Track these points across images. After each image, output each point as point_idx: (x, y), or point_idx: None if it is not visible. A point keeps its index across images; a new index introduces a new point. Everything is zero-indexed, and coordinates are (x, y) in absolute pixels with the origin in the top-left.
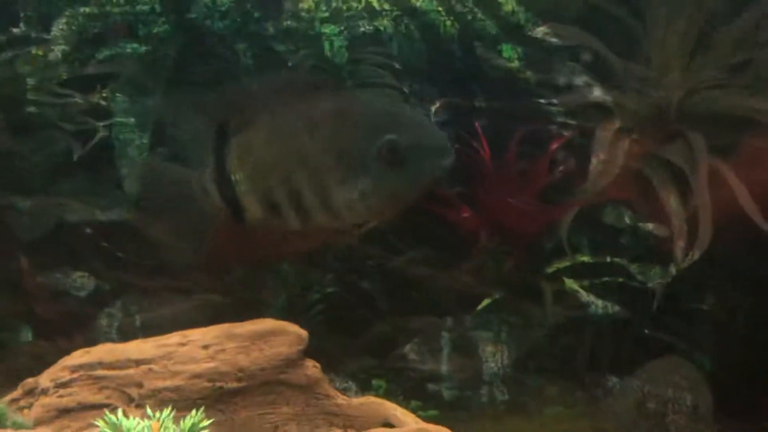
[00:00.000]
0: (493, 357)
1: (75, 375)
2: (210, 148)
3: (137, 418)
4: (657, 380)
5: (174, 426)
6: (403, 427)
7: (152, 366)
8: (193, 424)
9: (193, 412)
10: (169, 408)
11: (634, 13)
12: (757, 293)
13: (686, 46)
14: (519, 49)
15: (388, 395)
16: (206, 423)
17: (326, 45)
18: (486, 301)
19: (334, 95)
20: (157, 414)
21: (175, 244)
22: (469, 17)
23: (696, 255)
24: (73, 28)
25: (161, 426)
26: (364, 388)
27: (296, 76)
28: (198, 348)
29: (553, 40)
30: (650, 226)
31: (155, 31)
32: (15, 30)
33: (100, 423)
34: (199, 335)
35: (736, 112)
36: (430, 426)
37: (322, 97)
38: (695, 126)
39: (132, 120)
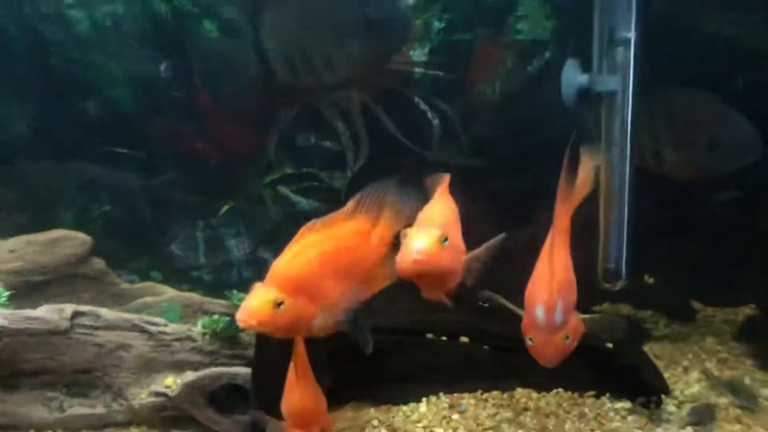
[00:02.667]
0: (237, 247)
1: None
2: (251, 28)
3: None
4: None
5: None
6: None
7: None
8: None
9: None
10: None
11: None
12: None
13: None
14: (215, 23)
15: (165, 282)
16: (5, 294)
17: None
18: (225, 207)
19: None
20: None
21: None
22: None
23: (361, 161)
24: None
25: None
26: (145, 279)
27: None
28: (6, 252)
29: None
30: (328, 143)
31: None
32: None
33: None
34: (6, 243)
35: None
36: (184, 293)
37: None
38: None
39: None
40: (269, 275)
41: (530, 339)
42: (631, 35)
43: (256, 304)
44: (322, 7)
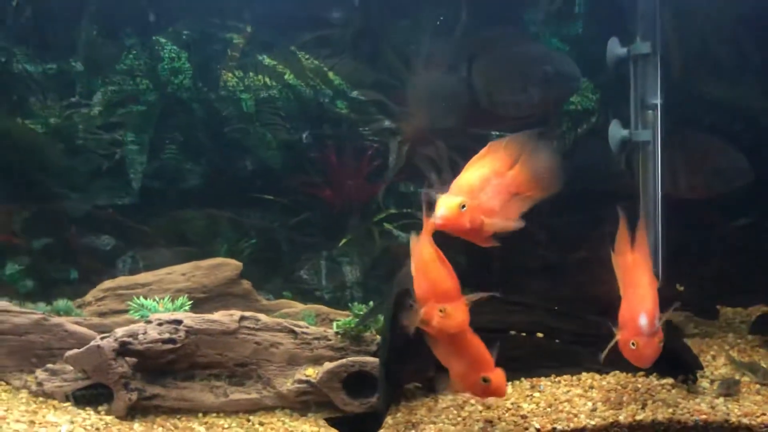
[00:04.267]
0: (351, 272)
1: (106, 294)
2: (465, 70)
3: (149, 299)
4: None
5: (170, 305)
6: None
7: (152, 287)
8: (181, 304)
9: (181, 297)
10: (168, 296)
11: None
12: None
13: None
14: (345, 102)
15: (294, 300)
16: (188, 303)
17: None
18: (344, 240)
19: (521, 46)
20: (161, 300)
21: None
22: (317, 87)
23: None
24: (105, 97)
25: (163, 305)
26: (278, 297)
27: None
28: (178, 275)
29: (361, 97)
30: (421, 192)
31: (148, 99)
32: (72, 99)
33: (131, 304)
34: (178, 268)
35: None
36: (313, 305)
37: (516, 46)
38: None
39: (136, 148)
40: (451, 189)
41: (633, 344)
42: (658, 101)
43: (447, 206)
44: (516, 60)
